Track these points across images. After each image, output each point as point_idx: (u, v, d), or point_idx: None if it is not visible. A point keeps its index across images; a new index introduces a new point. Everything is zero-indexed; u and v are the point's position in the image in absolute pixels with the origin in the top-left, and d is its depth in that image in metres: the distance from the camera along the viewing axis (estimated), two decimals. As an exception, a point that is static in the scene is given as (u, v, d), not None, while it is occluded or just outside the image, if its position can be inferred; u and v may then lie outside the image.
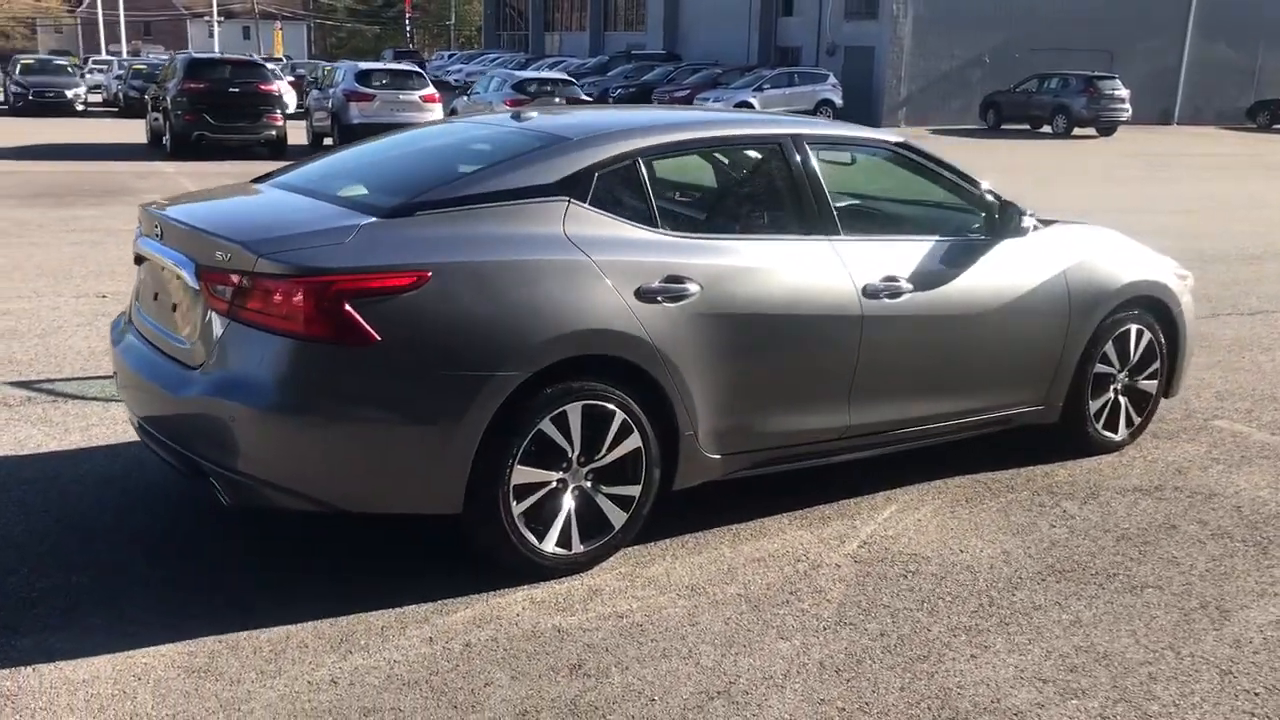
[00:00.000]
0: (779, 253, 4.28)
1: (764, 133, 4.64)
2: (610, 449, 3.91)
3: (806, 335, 4.29)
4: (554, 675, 3.32)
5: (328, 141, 21.71)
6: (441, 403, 3.58)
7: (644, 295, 3.89)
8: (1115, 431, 5.41)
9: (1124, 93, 33.40)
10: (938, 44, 37.80)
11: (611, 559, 4.07)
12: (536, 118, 4.51)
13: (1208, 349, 7.55)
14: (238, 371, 3.55)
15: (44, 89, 30.71)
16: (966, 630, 3.67)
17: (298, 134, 22.77)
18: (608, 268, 3.84)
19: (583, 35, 56.64)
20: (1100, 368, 5.23)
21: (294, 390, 3.49)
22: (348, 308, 3.45)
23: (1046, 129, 34.29)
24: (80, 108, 30.89)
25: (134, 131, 24.10)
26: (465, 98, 26.24)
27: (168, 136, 20.03)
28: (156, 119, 20.98)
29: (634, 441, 3.95)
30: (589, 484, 3.93)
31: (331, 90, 21.70)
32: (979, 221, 4.96)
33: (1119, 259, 5.30)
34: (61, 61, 36.10)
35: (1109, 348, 5.24)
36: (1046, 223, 5.25)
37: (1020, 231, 4.88)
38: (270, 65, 35.88)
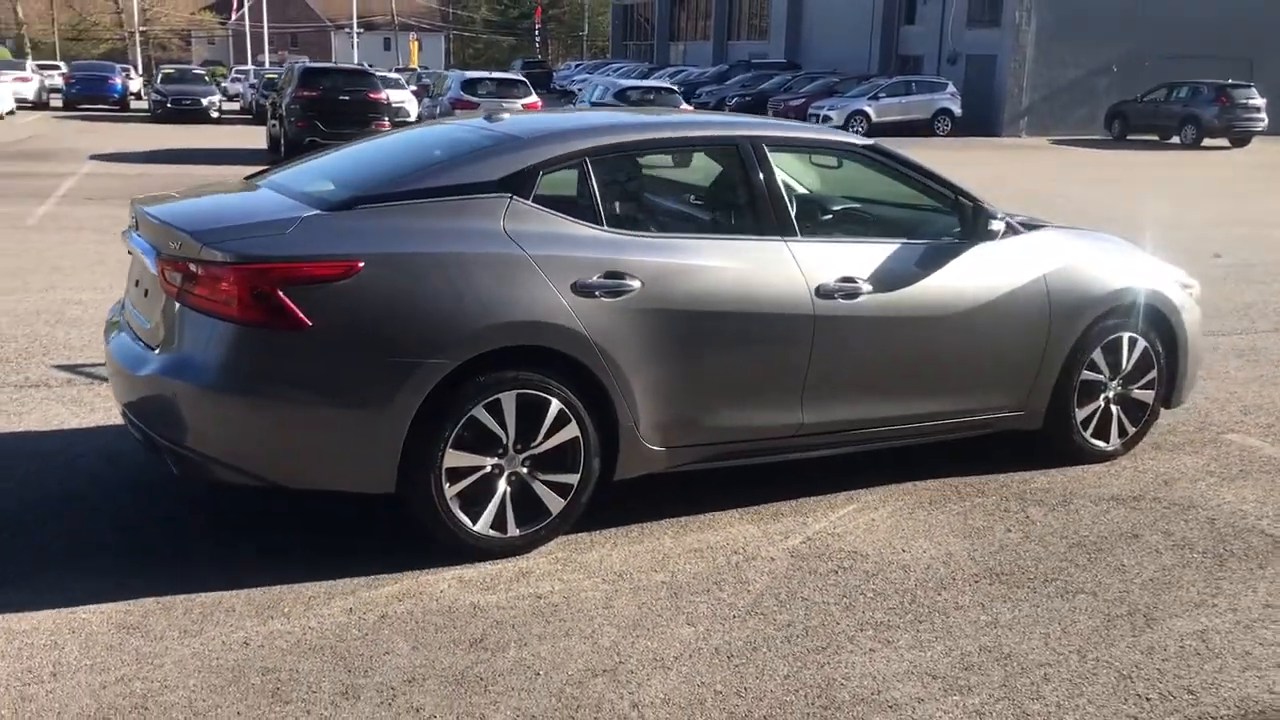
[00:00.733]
0: (727, 252, 4.36)
1: (719, 134, 4.74)
2: (546, 438, 4.06)
3: (754, 333, 4.36)
4: (453, 647, 3.48)
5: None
6: (371, 387, 3.78)
7: (581, 290, 4.03)
8: (1106, 440, 5.32)
9: (1259, 102, 32.03)
10: (1062, 52, 36.86)
11: (551, 544, 4.21)
12: (505, 120, 4.69)
13: (1252, 363, 7.32)
14: (185, 353, 3.82)
15: (181, 97, 32.25)
16: (876, 625, 3.71)
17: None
18: (543, 262, 3.99)
19: (707, 44, 56.86)
20: (1087, 375, 5.16)
21: (231, 371, 3.73)
22: (280, 294, 3.68)
23: (1175, 139, 33.12)
24: (215, 115, 32.32)
25: (258, 137, 25.17)
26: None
27: (283, 141, 20.88)
28: (274, 125, 21.88)
29: (571, 431, 4.09)
30: (525, 470, 4.08)
31: (440, 99, 22.34)
32: (955, 225, 4.95)
33: (1108, 265, 5.22)
34: (199, 71, 37.93)
35: (1097, 355, 5.16)
36: (1032, 227, 5.22)
37: (990, 235, 4.86)
38: (396, 75, 37.13)
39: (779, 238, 4.48)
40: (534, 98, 22.12)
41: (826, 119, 34.14)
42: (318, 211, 3.93)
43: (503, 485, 4.05)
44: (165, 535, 4.25)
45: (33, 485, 4.66)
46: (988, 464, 5.23)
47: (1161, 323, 5.34)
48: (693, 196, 5.00)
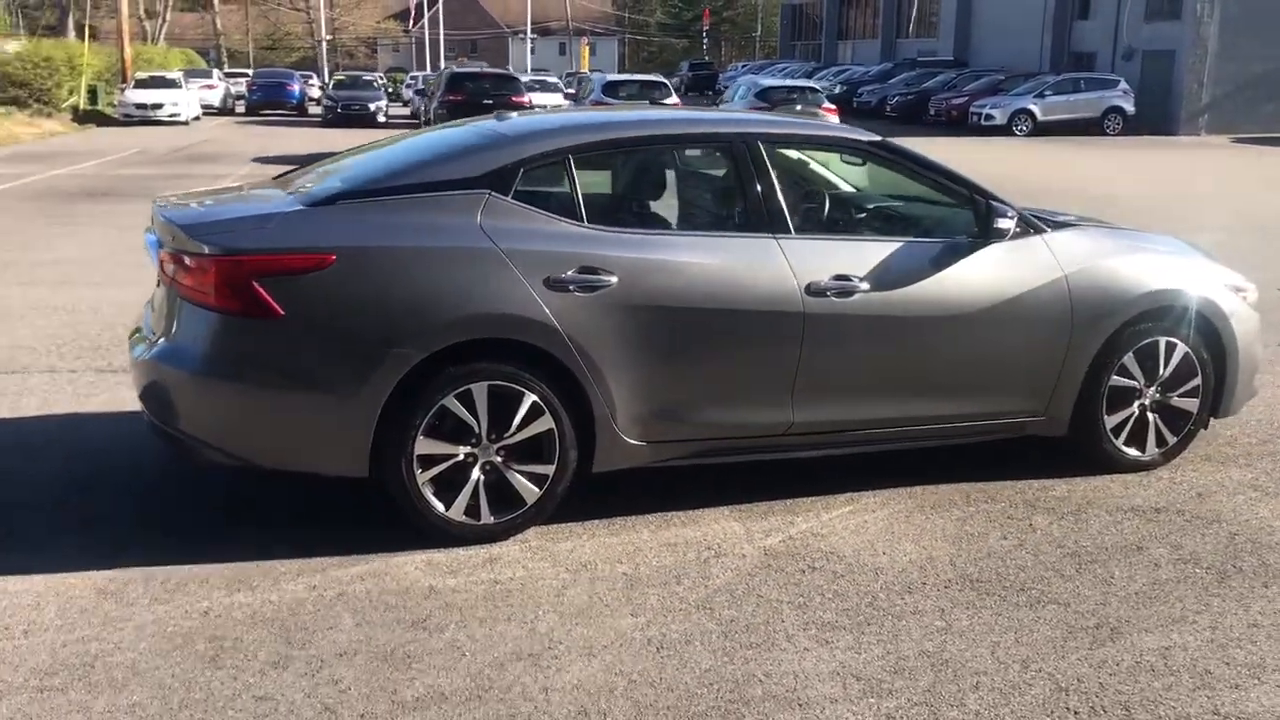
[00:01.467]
0: (709, 248, 4.37)
1: (710, 132, 4.74)
2: (520, 429, 4.15)
3: (738, 330, 4.35)
4: (394, 626, 3.61)
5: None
6: (342, 375, 3.95)
7: (554, 284, 4.11)
8: (1142, 449, 5.08)
9: None
10: (1249, 45, 34.80)
11: (528, 532, 4.31)
12: (511, 119, 4.81)
13: (1353, 373, 6.84)
14: (178, 341, 4.08)
15: (351, 102, 33.69)
16: (820, 625, 3.67)
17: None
18: (515, 257, 4.09)
19: (875, 43, 55.94)
20: (1117, 380, 4.95)
21: (213, 358, 3.97)
22: (255, 284, 3.88)
23: (1373, 136, 30.96)
24: (381, 119, 33.61)
25: (414, 140, 26.05)
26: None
27: (431, 144, 21.60)
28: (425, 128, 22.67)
29: (545, 423, 4.17)
30: (500, 460, 4.18)
31: (584, 100, 22.71)
32: (972, 222, 4.81)
33: (1141, 266, 4.99)
34: (369, 78, 39.48)
35: (1129, 360, 4.94)
36: (1059, 225, 5.03)
37: (1000, 234, 4.70)
38: (555, 79, 37.90)
39: (768, 234, 4.46)
40: (674, 98, 22.24)
41: (989, 118, 33.25)
42: (301, 207, 4.13)
43: (476, 474, 4.16)
44: (172, 513, 4.52)
45: (70, 461, 5.02)
46: (1011, 469, 5.07)
47: (1207, 328, 5.07)
48: (680, 194, 5.01)
